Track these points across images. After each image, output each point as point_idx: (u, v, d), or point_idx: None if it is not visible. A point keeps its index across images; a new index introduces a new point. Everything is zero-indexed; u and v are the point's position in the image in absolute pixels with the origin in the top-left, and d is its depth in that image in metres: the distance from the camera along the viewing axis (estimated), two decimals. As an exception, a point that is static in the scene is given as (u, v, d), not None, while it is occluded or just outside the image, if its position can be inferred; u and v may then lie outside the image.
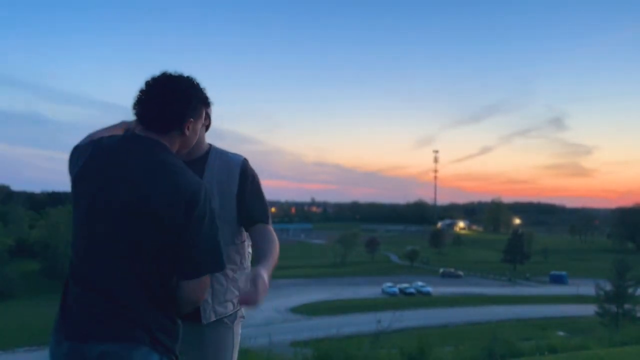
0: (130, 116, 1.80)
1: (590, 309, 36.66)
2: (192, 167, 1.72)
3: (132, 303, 1.55)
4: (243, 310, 2.13)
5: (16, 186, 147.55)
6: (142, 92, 1.69)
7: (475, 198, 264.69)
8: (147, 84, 1.70)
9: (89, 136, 1.90)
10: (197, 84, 1.78)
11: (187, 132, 1.72)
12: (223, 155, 2.05)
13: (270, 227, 2.06)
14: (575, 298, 51.53)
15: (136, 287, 1.56)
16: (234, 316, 2.09)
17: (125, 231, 1.56)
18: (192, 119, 1.73)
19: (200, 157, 2.00)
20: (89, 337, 1.53)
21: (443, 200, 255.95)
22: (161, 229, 1.55)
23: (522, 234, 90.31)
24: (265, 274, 1.62)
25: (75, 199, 1.63)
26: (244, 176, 2.01)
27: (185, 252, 1.59)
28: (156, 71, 1.75)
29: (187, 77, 1.75)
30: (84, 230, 1.60)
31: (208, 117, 1.99)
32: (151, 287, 1.57)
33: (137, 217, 1.55)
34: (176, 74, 1.73)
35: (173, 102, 1.67)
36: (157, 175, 1.58)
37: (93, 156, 1.64)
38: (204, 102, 1.82)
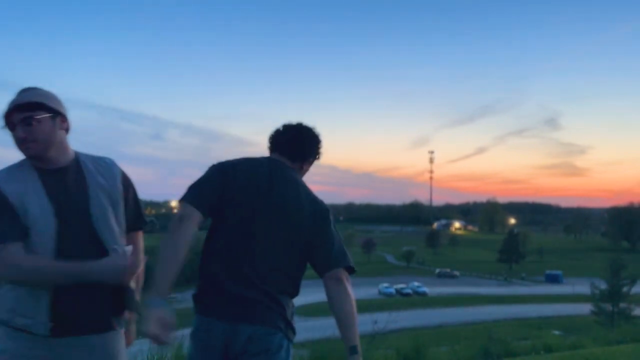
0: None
1: (585, 308, 36.76)
2: (65, 174, 1.83)
3: (278, 295, 1.94)
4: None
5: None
6: (289, 131, 2.21)
7: (470, 198, 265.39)
8: (292, 127, 2.22)
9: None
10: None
11: (305, 167, 2.25)
12: (95, 159, 1.97)
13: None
14: (571, 297, 51.69)
15: (282, 281, 1.97)
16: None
17: (278, 234, 1.97)
18: (312, 160, 2.26)
19: (70, 163, 1.88)
20: (241, 320, 1.88)
21: (438, 200, 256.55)
22: (303, 233, 1.99)
23: (517, 234, 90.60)
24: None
25: (232, 206, 1.98)
26: (126, 179, 2.03)
27: (322, 252, 2.01)
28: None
29: (316, 131, 2.27)
30: (242, 232, 1.97)
31: (67, 120, 1.91)
32: (292, 281, 2.02)
33: (288, 222, 1.98)
34: (312, 127, 2.26)
35: (309, 144, 2.22)
36: (300, 190, 2.06)
37: (254, 166, 2.08)
38: (318, 153, 2.29)
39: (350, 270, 2.03)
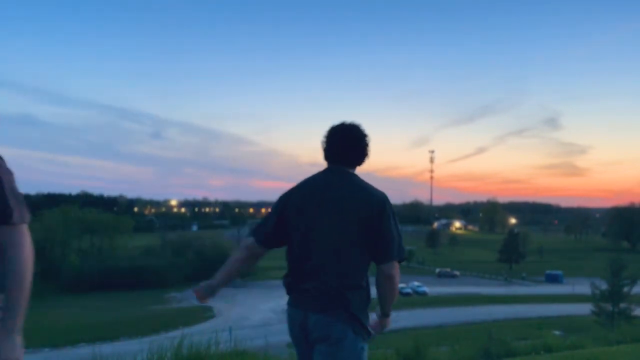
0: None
1: (585, 308, 36.76)
2: None
3: (340, 289, 2.26)
4: None
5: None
6: (335, 137, 2.47)
7: (470, 198, 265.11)
8: (337, 130, 2.48)
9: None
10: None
11: (359, 166, 2.52)
12: None
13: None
14: (571, 297, 51.70)
15: (342, 277, 2.28)
16: None
17: (333, 236, 2.30)
18: (363, 159, 2.52)
19: None
20: (309, 309, 2.29)
21: (439, 200, 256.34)
22: (363, 229, 2.29)
23: (517, 234, 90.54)
24: None
25: (292, 223, 2.39)
26: None
27: (380, 244, 2.31)
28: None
29: (359, 133, 2.50)
30: (305, 240, 2.35)
31: None
32: (354, 276, 2.30)
33: (341, 223, 2.29)
34: (357, 124, 2.50)
35: (361, 147, 2.49)
36: (359, 190, 2.36)
37: (309, 183, 2.46)
38: (366, 152, 2.54)
39: (403, 259, 2.41)
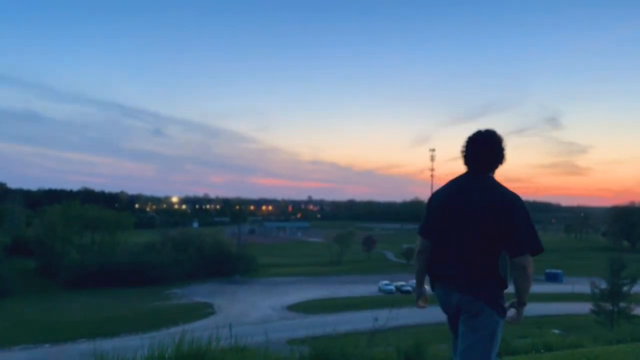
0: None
1: (585, 307, 36.77)
2: None
3: (475, 276, 2.79)
4: None
5: (12, 184, 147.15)
6: (473, 145, 2.91)
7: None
8: (475, 139, 2.92)
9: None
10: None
11: (495, 170, 2.93)
12: None
13: None
14: (571, 296, 51.71)
15: (475, 267, 2.79)
16: None
17: (466, 233, 2.80)
18: (498, 165, 2.91)
19: None
20: (452, 289, 2.88)
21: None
22: (496, 226, 2.72)
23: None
24: None
25: (435, 222, 2.96)
26: None
27: (512, 239, 2.71)
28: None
29: (499, 135, 2.92)
30: (443, 236, 2.91)
31: None
32: (486, 267, 2.78)
33: (473, 222, 2.77)
34: (493, 132, 2.92)
35: (498, 152, 2.90)
36: (493, 192, 2.80)
37: (451, 185, 2.97)
38: (502, 157, 2.95)
39: (536, 252, 2.77)
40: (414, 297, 3.39)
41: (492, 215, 2.72)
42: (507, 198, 2.76)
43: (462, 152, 2.94)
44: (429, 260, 3.03)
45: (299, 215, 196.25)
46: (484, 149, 2.87)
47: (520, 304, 2.91)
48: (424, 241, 3.03)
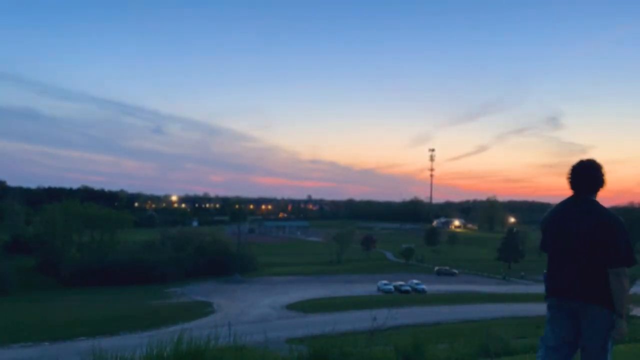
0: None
1: (584, 307, 36.76)
2: None
3: (586, 285, 3.29)
4: None
5: (12, 182, 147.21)
6: (577, 173, 3.44)
7: (470, 196, 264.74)
8: (579, 167, 3.47)
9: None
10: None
11: (598, 193, 3.47)
12: None
13: None
14: (570, 296, 51.65)
15: (585, 278, 3.29)
16: None
17: (574, 249, 3.33)
18: (599, 188, 3.45)
19: None
20: (572, 297, 3.35)
21: (438, 198, 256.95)
22: (601, 241, 3.22)
23: (517, 233, 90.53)
24: None
25: (549, 240, 3.54)
26: None
27: (609, 254, 3.22)
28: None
29: (599, 163, 3.47)
30: (555, 252, 3.47)
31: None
32: (594, 277, 3.27)
33: (587, 237, 3.26)
34: (593, 160, 3.48)
35: (598, 178, 3.44)
36: (596, 213, 3.31)
37: (560, 208, 3.52)
38: (602, 181, 3.48)
39: (630, 265, 3.22)
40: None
41: (597, 233, 3.22)
42: (609, 218, 3.26)
43: (568, 178, 3.47)
44: (552, 272, 3.53)
45: (285, 215, 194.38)
46: (587, 176, 3.40)
47: (618, 316, 3.25)
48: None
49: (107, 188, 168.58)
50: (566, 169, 3.51)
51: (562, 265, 3.40)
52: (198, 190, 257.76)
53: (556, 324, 3.48)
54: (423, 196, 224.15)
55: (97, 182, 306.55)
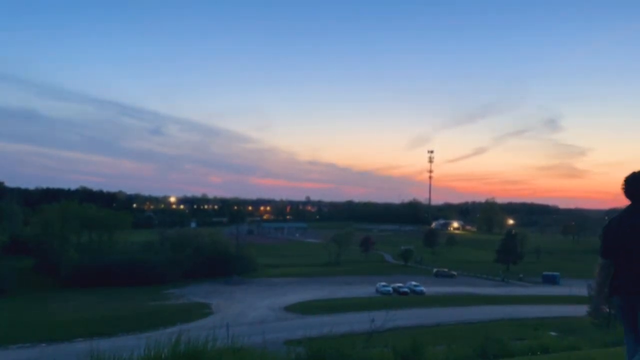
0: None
1: (582, 310, 36.78)
2: None
3: None
4: None
5: (10, 182, 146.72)
6: (631, 184, 3.96)
7: (469, 198, 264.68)
8: (631, 179, 3.98)
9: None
10: None
11: None
12: None
13: None
14: (568, 298, 51.77)
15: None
16: None
17: (630, 252, 3.75)
18: None
19: None
20: (633, 293, 3.77)
21: (437, 200, 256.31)
22: None
23: (515, 235, 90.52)
24: None
25: (611, 245, 3.92)
26: None
27: None
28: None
29: None
30: (617, 255, 3.86)
31: None
32: None
33: (633, 243, 3.73)
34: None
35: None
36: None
37: (619, 218, 3.96)
38: None
39: None
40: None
41: None
42: None
43: (622, 188, 3.99)
44: (610, 276, 3.94)
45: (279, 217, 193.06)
46: (638, 186, 3.91)
47: None
48: (604, 261, 3.94)
49: (105, 189, 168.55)
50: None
51: (622, 267, 3.82)
52: (197, 191, 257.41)
53: (620, 319, 4.02)
54: (422, 198, 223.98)
55: (96, 183, 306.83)
